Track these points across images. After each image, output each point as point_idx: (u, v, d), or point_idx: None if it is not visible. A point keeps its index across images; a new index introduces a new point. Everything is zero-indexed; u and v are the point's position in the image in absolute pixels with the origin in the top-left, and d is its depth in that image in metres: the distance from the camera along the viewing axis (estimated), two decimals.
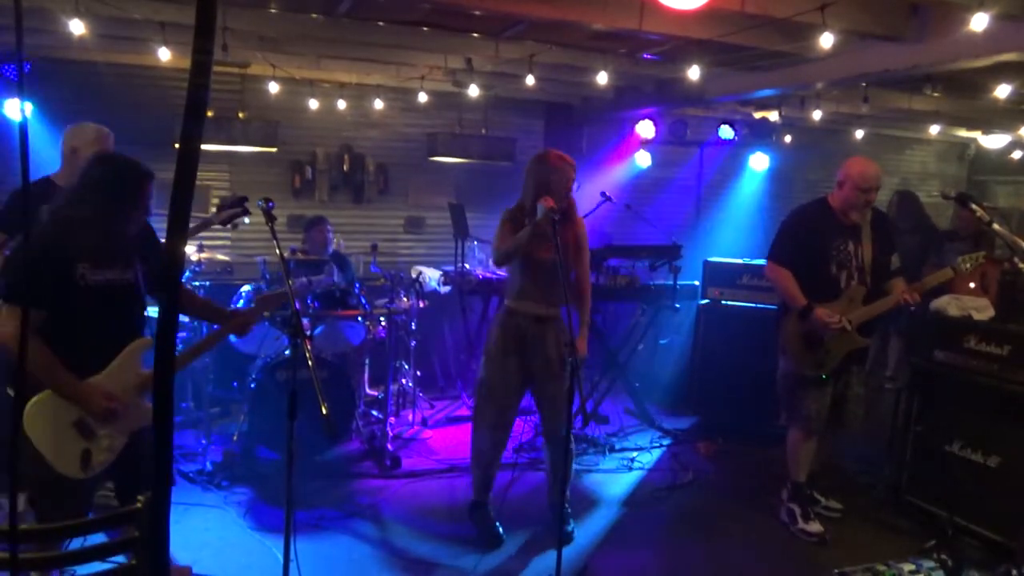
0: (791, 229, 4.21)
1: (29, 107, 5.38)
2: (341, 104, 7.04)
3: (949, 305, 4.35)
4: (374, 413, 5.66)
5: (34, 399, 2.60)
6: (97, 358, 2.75)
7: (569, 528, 4.03)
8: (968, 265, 3.98)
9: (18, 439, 2.57)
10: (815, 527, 4.13)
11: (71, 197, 2.74)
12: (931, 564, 3.71)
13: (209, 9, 0.71)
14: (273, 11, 5.01)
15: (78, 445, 2.69)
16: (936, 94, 6.81)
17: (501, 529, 4.01)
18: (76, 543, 2.25)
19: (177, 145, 0.77)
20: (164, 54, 5.00)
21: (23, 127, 0.80)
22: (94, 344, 2.74)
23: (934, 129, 8.90)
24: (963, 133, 9.59)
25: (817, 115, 7.01)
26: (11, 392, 2.80)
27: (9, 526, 1.15)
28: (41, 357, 2.58)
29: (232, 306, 4.96)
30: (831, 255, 4.05)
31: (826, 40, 4.11)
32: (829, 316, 3.94)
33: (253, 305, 3.30)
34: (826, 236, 4.07)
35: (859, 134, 8.76)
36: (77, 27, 4.39)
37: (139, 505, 1.99)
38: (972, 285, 5.29)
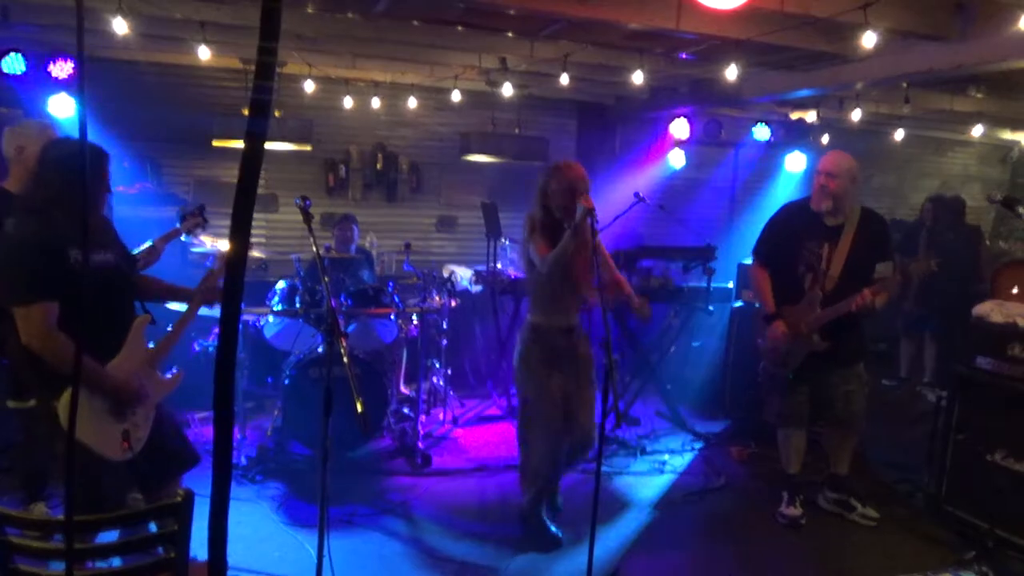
0: (772, 226, 4.33)
1: (73, 104, 5.48)
2: (375, 103, 7.08)
3: (993, 312, 4.24)
4: (405, 411, 5.69)
5: (66, 393, 2.57)
6: (108, 343, 2.76)
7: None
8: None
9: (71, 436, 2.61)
10: (792, 512, 4.29)
11: (36, 184, 2.68)
12: None
13: (274, 12, 0.72)
14: (310, 11, 5.05)
15: (118, 428, 2.75)
16: (980, 95, 6.65)
17: (559, 532, 3.97)
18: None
19: (241, 144, 0.76)
20: (204, 53, 5.06)
21: (82, 123, 0.80)
22: (102, 329, 2.75)
23: (977, 130, 8.69)
24: (1007, 135, 9.37)
25: (856, 115, 6.88)
26: (10, 404, 2.76)
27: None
28: (69, 351, 2.54)
29: (267, 302, 5.02)
30: (802, 256, 4.11)
31: (868, 40, 4.03)
32: (777, 340, 4.15)
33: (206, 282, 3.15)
34: (802, 236, 4.13)
35: (899, 135, 8.58)
36: (120, 26, 4.44)
37: (178, 499, 2.02)
38: (1015, 291, 5.15)
